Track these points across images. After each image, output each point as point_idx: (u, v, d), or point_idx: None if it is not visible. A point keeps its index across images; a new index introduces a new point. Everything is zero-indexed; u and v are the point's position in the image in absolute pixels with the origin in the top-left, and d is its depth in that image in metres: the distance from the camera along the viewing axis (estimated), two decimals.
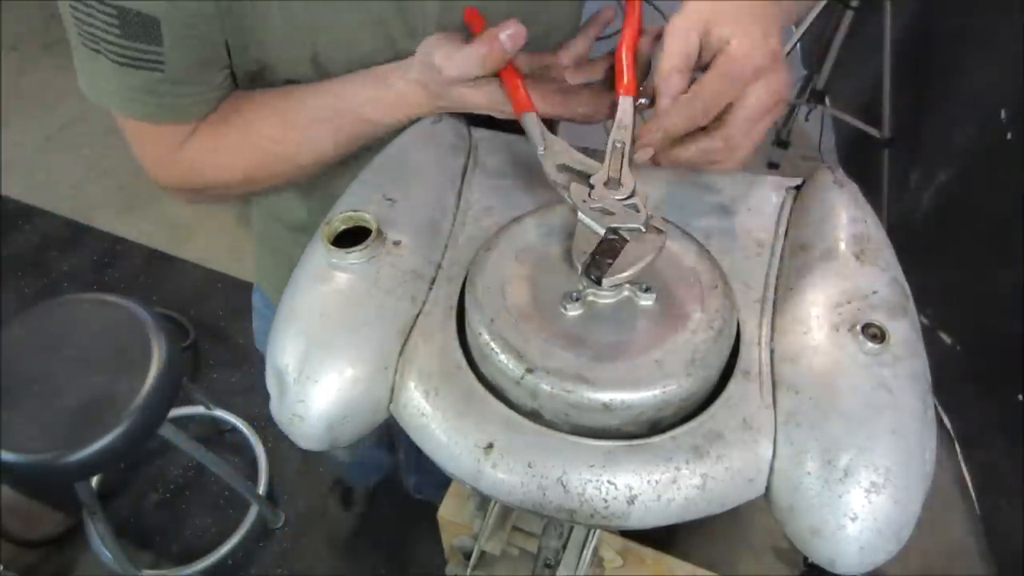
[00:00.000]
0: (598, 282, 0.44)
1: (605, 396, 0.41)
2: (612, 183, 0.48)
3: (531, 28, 0.65)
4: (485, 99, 0.56)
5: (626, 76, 0.54)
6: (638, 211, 0.46)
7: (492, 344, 0.43)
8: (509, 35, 0.52)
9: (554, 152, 0.51)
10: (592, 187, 0.48)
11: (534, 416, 0.43)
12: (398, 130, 0.60)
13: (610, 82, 0.58)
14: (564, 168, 0.50)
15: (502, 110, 0.56)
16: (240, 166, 0.63)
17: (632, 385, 0.41)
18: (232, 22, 0.56)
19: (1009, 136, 1.44)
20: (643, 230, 0.45)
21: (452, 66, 0.54)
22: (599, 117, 0.57)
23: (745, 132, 0.47)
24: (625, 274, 0.43)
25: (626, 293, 0.45)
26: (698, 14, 0.48)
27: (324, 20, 0.57)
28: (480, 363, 0.45)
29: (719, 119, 0.47)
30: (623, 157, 0.49)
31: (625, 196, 0.47)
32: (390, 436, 1.47)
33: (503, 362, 0.42)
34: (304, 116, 0.61)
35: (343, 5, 0.57)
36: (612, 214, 0.46)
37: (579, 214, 0.46)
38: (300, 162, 0.63)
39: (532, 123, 0.52)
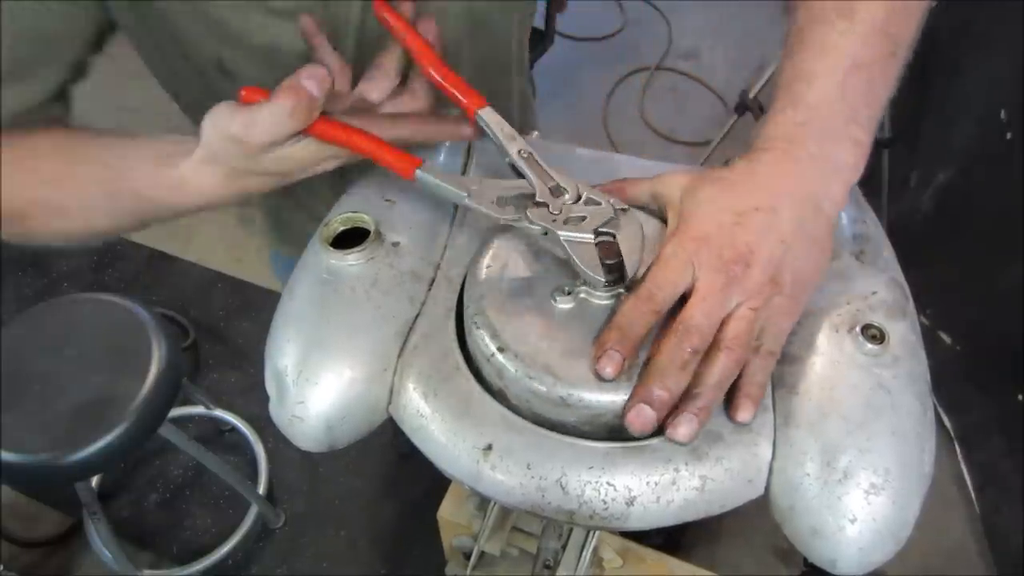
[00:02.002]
0: (628, 287, 0.44)
1: (563, 391, 0.41)
2: (555, 191, 0.47)
3: (478, 38, 0.63)
4: (309, 153, 0.47)
5: (462, 93, 0.50)
6: (599, 203, 0.46)
7: (474, 319, 0.44)
8: (310, 78, 0.44)
9: (483, 191, 0.46)
10: (546, 204, 0.46)
11: (533, 418, 0.43)
12: (195, 212, 0.53)
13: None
14: (503, 201, 0.46)
15: (332, 157, 0.49)
16: (10, 197, 0.53)
17: (594, 386, 0.41)
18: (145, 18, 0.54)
19: (1009, 136, 1.44)
20: (624, 211, 0.45)
21: (259, 131, 0.45)
22: (467, 134, 0.51)
23: (705, 314, 0.41)
24: (646, 259, 0.44)
25: (622, 295, 0.45)
26: (675, 180, 0.47)
27: (233, 24, 0.53)
28: (468, 340, 0.45)
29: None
30: (539, 164, 0.47)
31: (577, 197, 0.46)
32: None
33: (480, 336, 0.43)
34: (82, 171, 0.53)
35: (255, 6, 0.53)
36: (584, 218, 0.45)
37: (560, 234, 0.45)
38: (72, 218, 0.55)
39: (435, 176, 0.46)
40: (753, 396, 0.41)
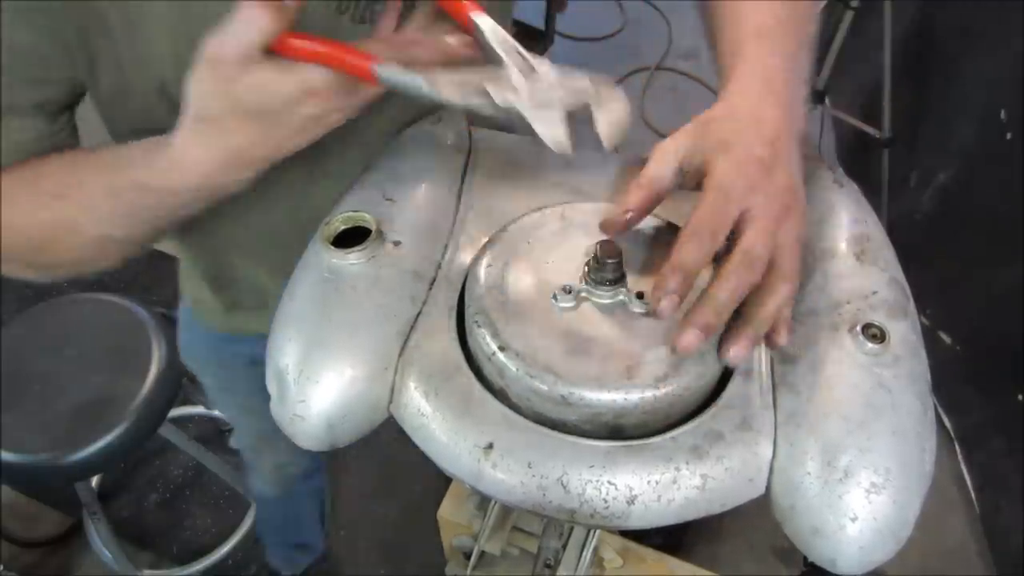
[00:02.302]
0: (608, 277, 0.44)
1: (564, 389, 0.41)
2: (526, 72, 0.44)
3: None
4: (287, 82, 0.44)
5: None
6: (577, 83, 0.44)
7: (475, 318, 0.44)
8: None
9: (445, 78, 0.43)
10: (515, 87, 0.43)
11: (534, 417, 0.43)
12: (196, 197, 0.51)
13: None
14: (466, 84, 0.43)
15: (314, 96, 0.45)
16: (24, 224, 0.53)
17: (595, 385, 0.41)
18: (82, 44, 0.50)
19: (1009, 136, 1.44)
20: (597, 86, 0.44)
21: (231, 41, 0.42)
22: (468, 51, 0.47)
23: (765, 244, 0.41)
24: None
25: (621, 297, 0.45)
26: (685, 134, 0.46)
27: (178, 46, 0.49)
28: (468, 339, 0.45)
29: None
30: (518, 52, 0.45)
31: (551, 79, 0.44)
32: (321, 516, 1.42)
33: (481, 336, 0.43)
34: (85, 175, 0.53)
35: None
36: (560, 91, 0.43)
37: (528, 114, 0.42)
38: (85, 232, 0.54)
39: (394, 71, 0.43)
40: (790, 323, 0.43)
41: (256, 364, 0.84)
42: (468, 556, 0.87)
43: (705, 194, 0.43)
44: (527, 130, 0.42)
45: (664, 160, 0.46)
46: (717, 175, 0.43)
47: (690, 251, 0.41)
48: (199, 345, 0.93)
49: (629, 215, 0.46)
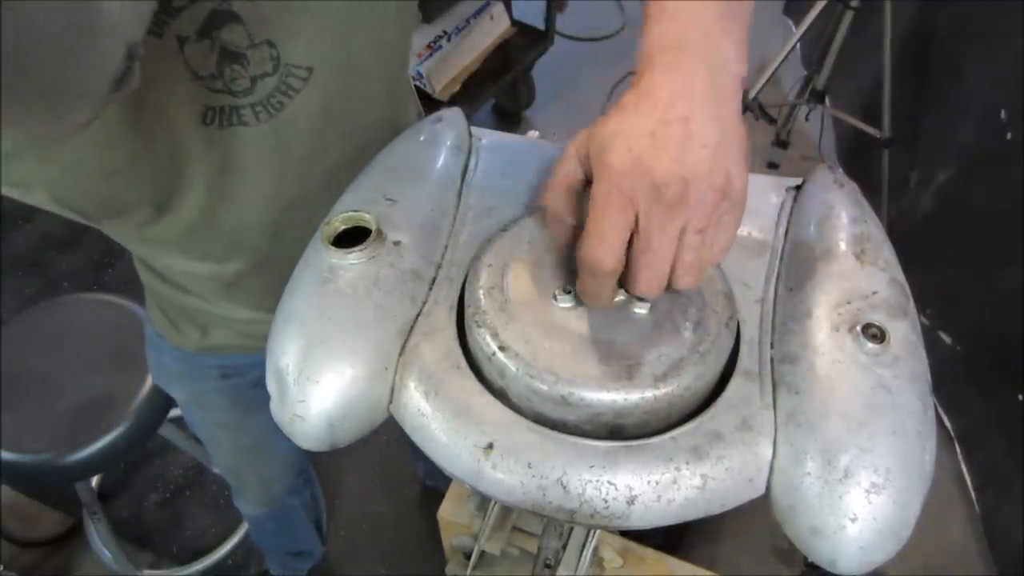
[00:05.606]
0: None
1: (564, 389, 0.41)
2: None
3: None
4: None
5: None
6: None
7: (475, 318, 0.44)
8: None
9: None
10: None
11: (534, 417, 0.43)
12: None
13: None
14: None
15: None
16: None
17: (595, 385, 0.41)
18: None
19: (1009, 136, 1.44)
20: None
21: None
22: None
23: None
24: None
25: (621, 297, 0.45)
26: (587, 132, 0.42)
27: None
28: (468, 339, 0.45)
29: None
30: None
31: None
32: (317, 516, 1.42)
33: (480, 336, 0.43)
34: None
35: None
36: None
37: None
38: None
39: None
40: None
41: (227, 377, 0.86)
42: (468, 556, 0.87)
43: (585, 228, 0.41)
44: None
45: (574, 152, 0.43)
46: (591, 205, 0.40)
47: (588, 290, 0.42)
48: (167, 360, 0.90)
49: (567, 220, 0.45)
